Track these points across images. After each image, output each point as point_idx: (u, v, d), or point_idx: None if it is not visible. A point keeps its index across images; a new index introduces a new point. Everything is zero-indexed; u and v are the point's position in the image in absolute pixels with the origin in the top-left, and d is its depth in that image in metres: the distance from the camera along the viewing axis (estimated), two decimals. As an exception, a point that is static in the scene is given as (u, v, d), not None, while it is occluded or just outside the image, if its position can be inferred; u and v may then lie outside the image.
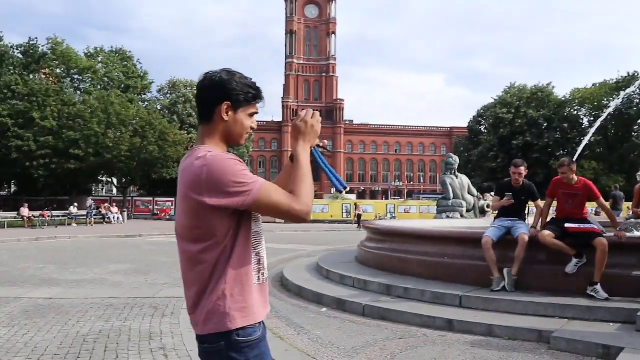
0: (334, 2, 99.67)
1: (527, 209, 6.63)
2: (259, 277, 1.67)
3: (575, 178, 5.98)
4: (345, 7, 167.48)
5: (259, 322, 1.65)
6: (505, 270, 6.01)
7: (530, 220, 6.70)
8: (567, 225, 5.76)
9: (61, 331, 5.79)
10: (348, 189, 1.94)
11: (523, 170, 6.49)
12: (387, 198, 70.35)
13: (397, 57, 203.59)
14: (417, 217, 36.31)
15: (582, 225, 5.70)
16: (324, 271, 8.05)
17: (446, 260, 6.75)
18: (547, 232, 5.86)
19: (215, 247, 1.58)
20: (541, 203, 6.62)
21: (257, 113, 1.77)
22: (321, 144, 1.85)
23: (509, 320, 5.23)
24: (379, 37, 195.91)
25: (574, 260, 5.76)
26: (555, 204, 6.22)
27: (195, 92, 1.72)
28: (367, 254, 8.43)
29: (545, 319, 5.26)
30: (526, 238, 5.96)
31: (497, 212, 6.65)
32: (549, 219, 6.30)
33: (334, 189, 1.95)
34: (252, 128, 1.76)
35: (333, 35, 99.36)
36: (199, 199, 1.54)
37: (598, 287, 5.43)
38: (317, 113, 1.81)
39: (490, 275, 6.09)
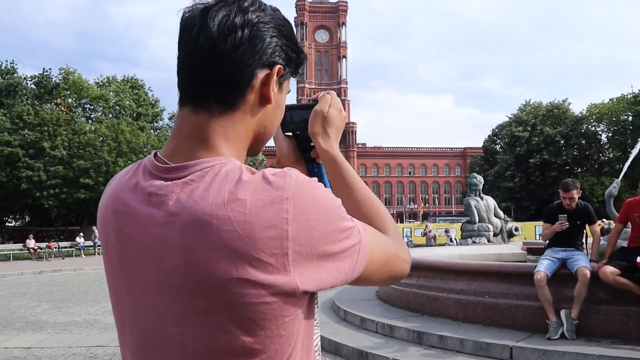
0: (343, 26, 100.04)
1: (584, 235, 5.55)
2: None
3: None
4: (352, 32, 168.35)
5: None
6: (562, 313, 4.94)
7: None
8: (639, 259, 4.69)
9: (26, 397, 4.81)
10: None
11: (575, 193, 5.40)
12: (402, 221, 68.91)
13: (404, 79, 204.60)
14: (441, 240, 34.94)
15: None
16: (341, 312, 6.99)
17: (487, 300, 5.68)
18: (609, 269, 4.81)
19: None
20: (598, 227, 5.57)
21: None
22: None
23: (575, 379, 4.15)
24: (385, 60, 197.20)
25: None
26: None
27: (194, 43, 0.81)
28: (390, 289, 7.36)
29: (620, 376, 4.18)
30: (588, 273, 4.89)
31: (547, 241, 5.57)
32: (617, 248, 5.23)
33: None
34: None
35: (344, 59, 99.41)
36: (276, 280, 0.71)
37: None
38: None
39: (544, 319, 5.02)
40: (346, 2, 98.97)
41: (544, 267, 5.14)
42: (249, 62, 0.81)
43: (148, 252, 0.76)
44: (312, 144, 1.02)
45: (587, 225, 5.52)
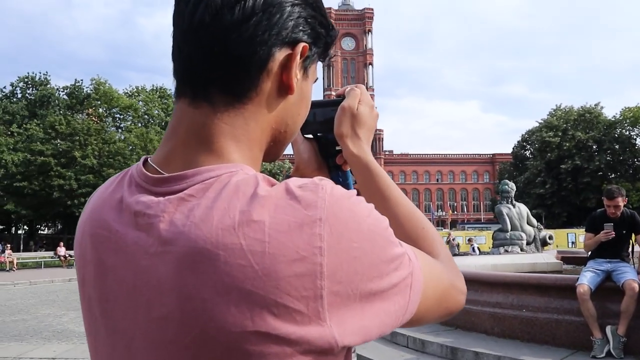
0: (370, 33, 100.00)
1: (630, 245, 5.20)
2: None
3: None
4: (377, 39, 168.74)
5: None
6: (608, 329, 4.62)
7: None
8: None
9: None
10: None
11: (620, 201, 5.05)
12: (430, 228, 67.94)
13: (430, 86, 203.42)
14: (465, 248, 34.40)
15: None
16: (370, 324, 6.75)
17: (525, 314, 5.37)
18: None
19: None
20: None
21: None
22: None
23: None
24: (411, 66, 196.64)
25: None
26: None
27: (191, 16, 0.63)
28: (420, 301, 7.09)
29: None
30: (636, 286, 4.56)
31: (589, 252, 5.24)
32: None
33: None
34: None
35: (370, 66, 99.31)
36: (306, 334, 0.52)
37: None
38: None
39: (588, 336, 4.70)
40: (372, 9, 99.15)
41: (587, 279, 4.82)
42: (264, 38, 0.62)
43: (135, 293, 0.57)
44: (337, 147, 0.86)
45: (633, 234, 5.18)
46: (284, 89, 0.65)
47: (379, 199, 0.76)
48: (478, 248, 23.45)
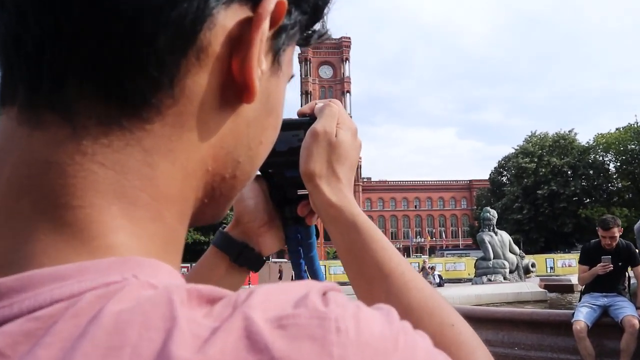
0: (347, 61, 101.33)
1: (626, 278, 4.94)
2: None
3: None
4: (354, 66, 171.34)
5: None
6: (608, 369, 4.32)
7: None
8: None
9: None
10: None
11: (616, 232, 4.78)
12: (408, 255, 68.08)
13: (407, 113, 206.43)
14: (444, 275, 34.27)
15: None
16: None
17: (517, 352, 5.05)
18: None
19: None
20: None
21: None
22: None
23: None
24: (388, 94, 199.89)
25: None
26: None
27: None
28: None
29: None
30: (637, 323, 4.29)
31: (584, 285, 4.97)
32: None
33: None
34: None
35: (348, 93, 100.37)
36: None
37: None
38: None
39: (587, 377, 4.39)
40: (349, 38, 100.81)
41: (583, 315, 4.53)
42: None
43: None
44: (301, 192, 0.59)
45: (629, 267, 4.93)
46: (235, 90, 0.32)
47: (376, 277, 0.50)
48: (440, 276, 22.01)
